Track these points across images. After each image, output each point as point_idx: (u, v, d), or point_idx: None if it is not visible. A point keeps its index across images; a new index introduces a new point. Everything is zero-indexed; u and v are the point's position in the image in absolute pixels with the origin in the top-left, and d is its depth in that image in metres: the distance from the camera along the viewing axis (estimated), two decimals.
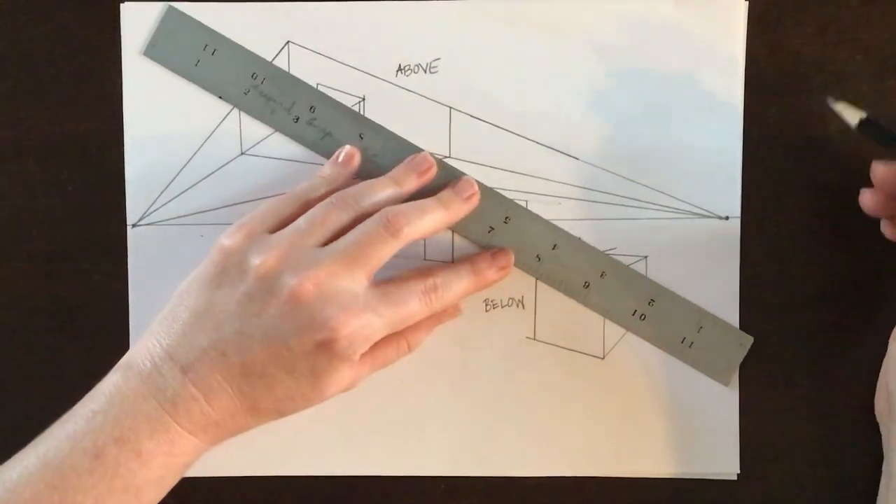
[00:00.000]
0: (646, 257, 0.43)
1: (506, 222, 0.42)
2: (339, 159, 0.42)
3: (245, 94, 0.43)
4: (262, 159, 0.43)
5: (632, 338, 0.43)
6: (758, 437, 0.43)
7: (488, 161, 0.43)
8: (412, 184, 0.41)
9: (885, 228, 0.40)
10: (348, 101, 0.43)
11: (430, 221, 0.39)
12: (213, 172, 0.43)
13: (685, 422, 0.43)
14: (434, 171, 0.41)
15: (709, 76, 0.42)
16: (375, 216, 0.38)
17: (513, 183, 0.43)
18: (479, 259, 0.42)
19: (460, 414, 0.43)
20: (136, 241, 0.44)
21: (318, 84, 0.43)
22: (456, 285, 0.40)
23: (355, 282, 0.37)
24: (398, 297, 0.38)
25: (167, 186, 0.43)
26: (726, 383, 0.43)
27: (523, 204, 0.43)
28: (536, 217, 0.43)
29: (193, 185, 0.43)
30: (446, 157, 0.43)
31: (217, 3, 0.43)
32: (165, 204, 0.43)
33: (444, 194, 0.41)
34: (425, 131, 0.43)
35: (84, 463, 0.35)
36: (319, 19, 0.43)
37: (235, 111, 0.43)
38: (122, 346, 0.44)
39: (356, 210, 0.39)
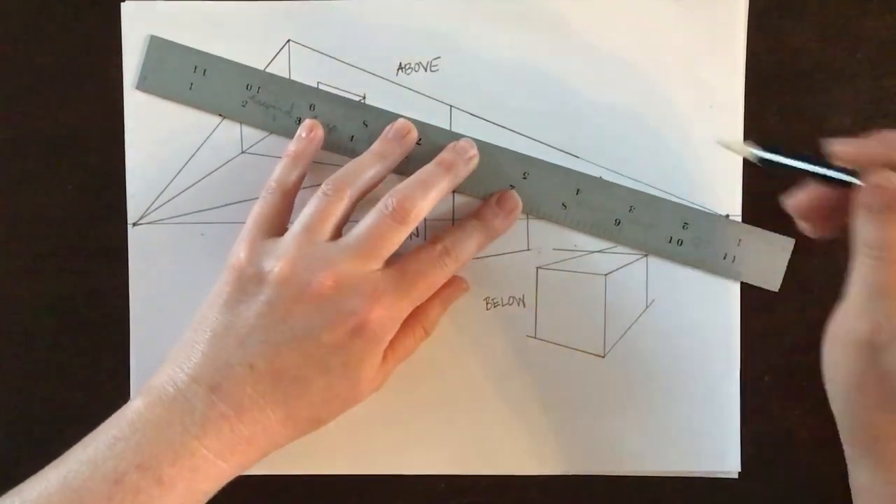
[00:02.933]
0: (646, 255, 0.43)
1: (525, 178, 0.42)
2: (303, 134, 0.41)
3: (243, 106, 0.43)
4: (262, 158, 0.43)
5: (632, 336, 0.43)
6: (758, 436, 0.43)
7: None
8: (397, 152, 0.41)
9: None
10: None
11: (435, 194, 0.39)
12: (213, 171, 0.43)
13: (686, 421, 0.43)
14: (414, 133, 0.41)
15: (709, 75, 0.43)
16: (380, 205, 0.38)
17: None
18: (484, 210, 0.42)
19: (460, 412, 0.43)
20: (137, 240, 0.44)
21: (318, 83, 0.43)
22: (467, 243, 0.40)
23: (371, 270, 0.38)
24: (415, 272, 0.39)
25: (168, 185, 0.43)
26: (776, 288, 0.43)
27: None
28: (555, 167, 0.43)
29: (194, 184, 0.43)
30: None
31: (218, 1, 0.43)
32: (166, 203, 0.43)
33: (446, 156, 0.40)
34: None
35: (103, 488, 0.35)
36: (320, 18, 0.43)
37: None
38: (122, 344, 0.44)
39: (351, 195, 0.39)
